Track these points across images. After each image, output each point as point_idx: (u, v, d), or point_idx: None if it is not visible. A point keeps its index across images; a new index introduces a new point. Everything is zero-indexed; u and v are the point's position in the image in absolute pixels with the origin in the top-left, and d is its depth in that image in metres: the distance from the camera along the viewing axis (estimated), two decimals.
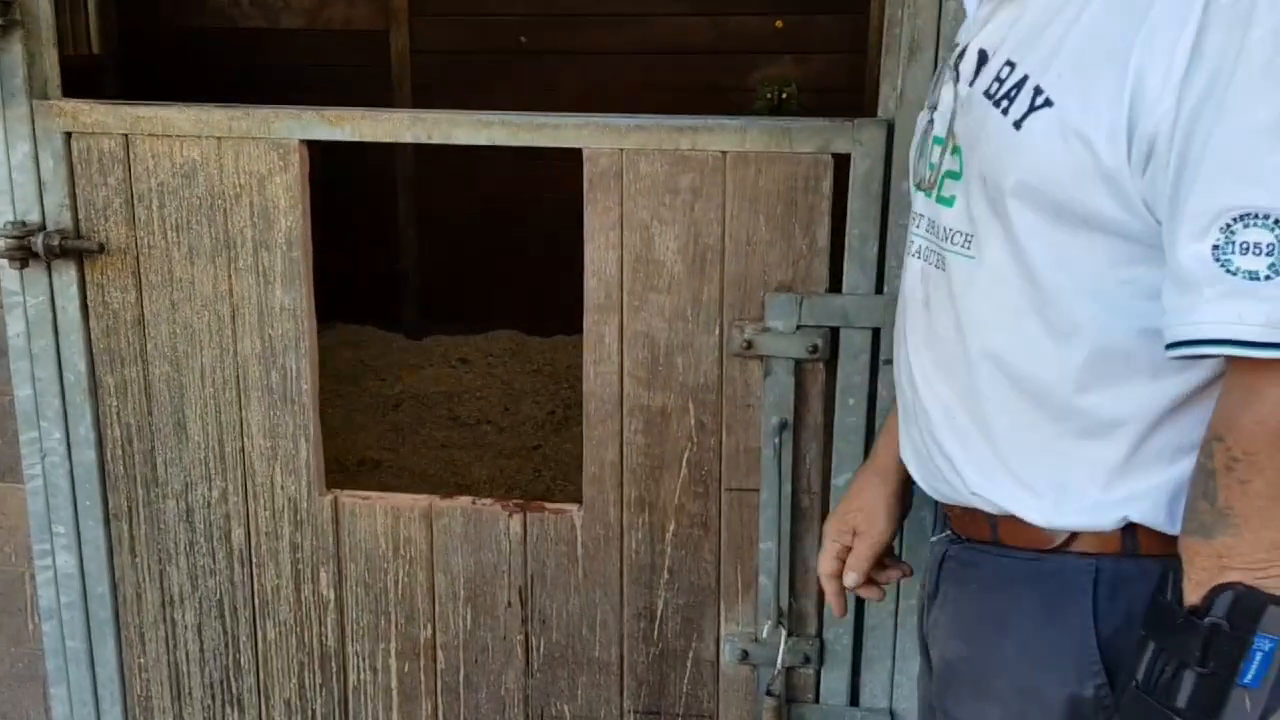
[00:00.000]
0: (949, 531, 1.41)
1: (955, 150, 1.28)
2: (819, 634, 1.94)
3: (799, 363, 1.81)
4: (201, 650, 2.12)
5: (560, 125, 1.79)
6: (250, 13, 5.37)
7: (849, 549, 1.54)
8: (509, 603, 2.01)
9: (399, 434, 4.30)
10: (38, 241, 1.89)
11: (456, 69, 5.25)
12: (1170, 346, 1.08)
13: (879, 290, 1.78)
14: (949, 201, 1.29)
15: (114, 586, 2.11)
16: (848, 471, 1.84)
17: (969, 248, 1.25)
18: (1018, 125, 1.16)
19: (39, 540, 2.09)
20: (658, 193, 1.79)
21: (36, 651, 2.17)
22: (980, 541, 1.34)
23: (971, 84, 1.25)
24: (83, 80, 5.05)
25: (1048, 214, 1.16)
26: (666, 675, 2.00)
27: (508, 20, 5.18)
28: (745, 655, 1.94)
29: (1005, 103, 1.18)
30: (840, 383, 1.82)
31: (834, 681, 1.95)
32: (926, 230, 1.34)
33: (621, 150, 1.77)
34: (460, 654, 2.05)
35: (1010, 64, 1.19)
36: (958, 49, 1.33)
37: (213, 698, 2.14)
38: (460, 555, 1.99)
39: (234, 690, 2.13)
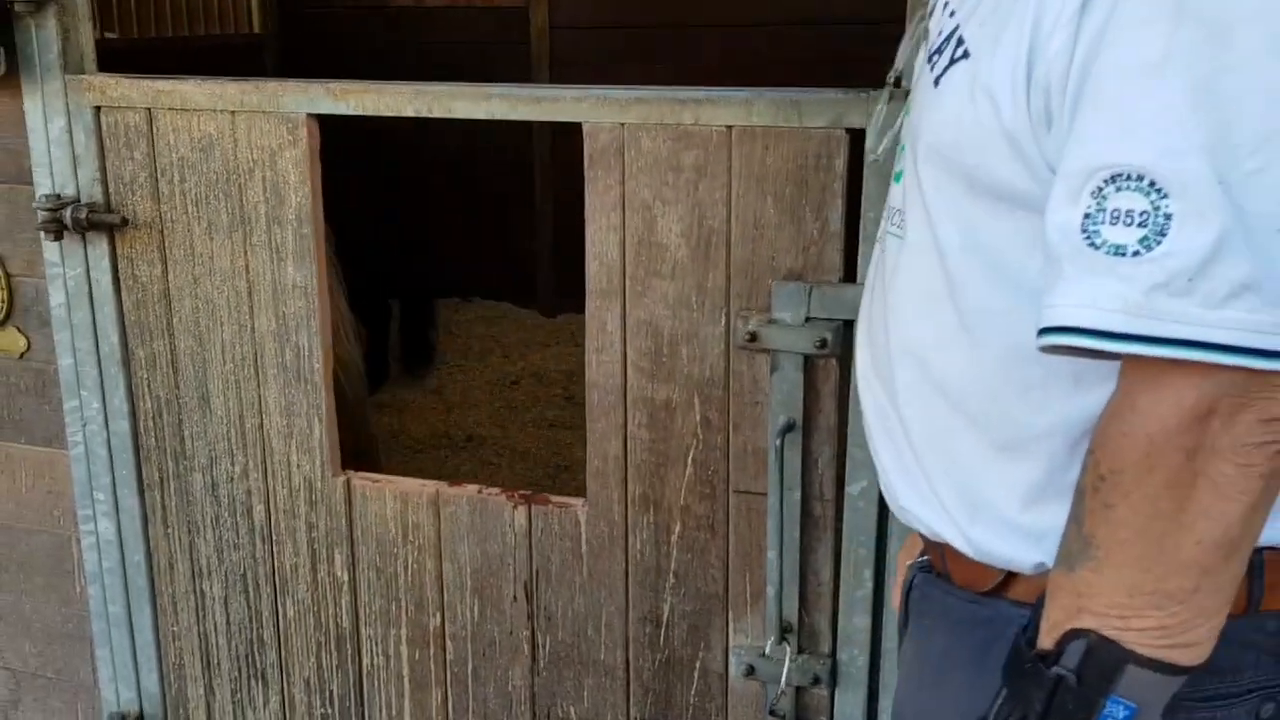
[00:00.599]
0: (923, 556, 1.25)
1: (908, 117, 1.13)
2: (833, 653, 1.78)
3: (808, 358, 1.65)
4: (228, 623, 2.14)
5: (559, 98, 1.68)
6: None
7: None
8: (515, 597, 1.93)
9: (511, 411, 4.30)
10: (68, 215, 1.92)
11: (595, 44, 5.19)
12: (1039, 337, 0.89)
13: None
14: (898, 177, 1.14)
15: (149, 555, 2.15)
16: (863, 479, 1.68)
17: (901, 227, 1.09)
18: (937, 82, 1.00)
19: (82, 506, 2.15)
20: (660, 171, 1.66)
21: (83, 613, 2.24)
22: (936, 573, 1.18)
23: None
24: (244, 58, 5.28)
25: (960, 184, 0.98)
26: (673, 684, 1.89)
27: None
28: (752, 670, 1.81)
29: (936, 58, 1.02)
30: (854, 381, 1.65)
31: (849, 705, 1.79)
32: (886, 213, 1.18)
33: (622, 125, 1.66)
34: (468, 645, 1.99)
35: (952, 13, 1.03)
36: (929, 5, 1.16)
37: (239, 670, 2.16)
38: (467, 544, 1.93)
39: (258, 665, 2.14)
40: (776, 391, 1.67)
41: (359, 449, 2.96)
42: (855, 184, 1.59)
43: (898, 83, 1.30)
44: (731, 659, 1.83)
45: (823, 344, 1.63)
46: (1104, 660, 0.87)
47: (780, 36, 4.90)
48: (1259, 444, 0.83)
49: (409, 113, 1.76)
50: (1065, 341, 0.86)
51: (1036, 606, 0.97)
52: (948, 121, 0.98)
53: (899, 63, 1.20)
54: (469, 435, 4.09)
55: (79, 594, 2.23)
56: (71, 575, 2.23)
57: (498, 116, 1.72)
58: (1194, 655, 0.88)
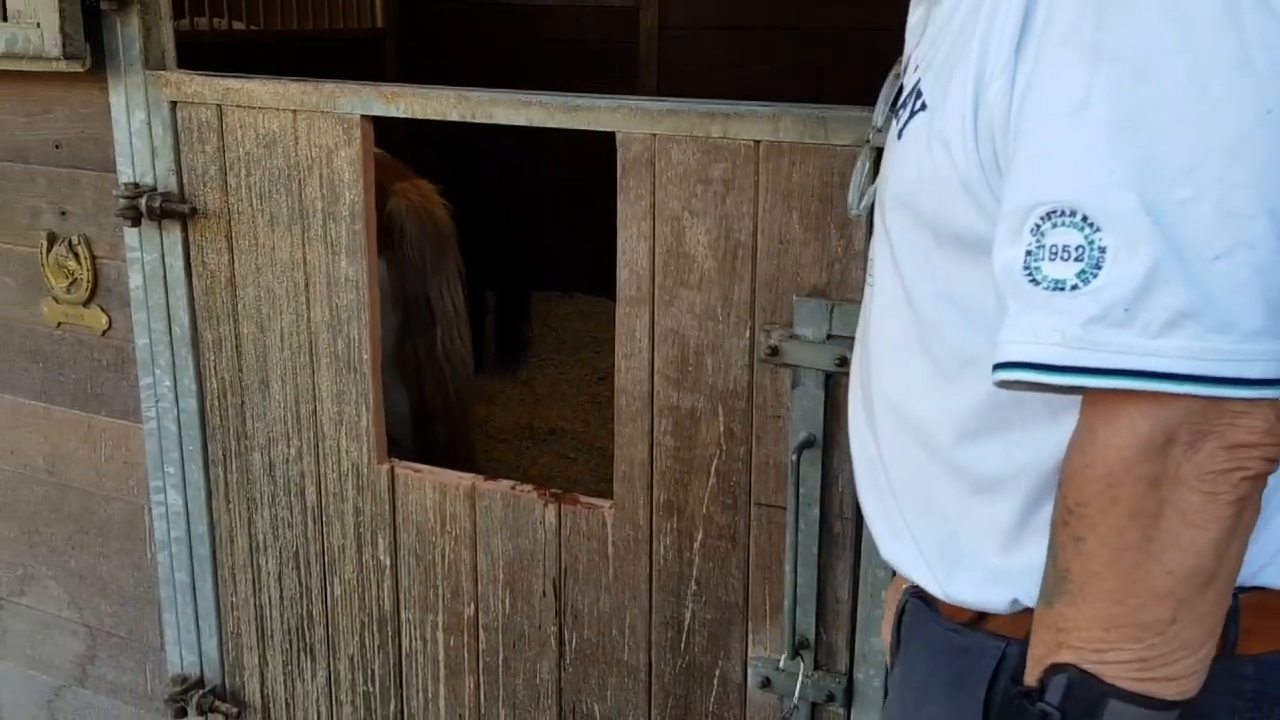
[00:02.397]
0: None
1: None
2: (849, 672, 1.77)
3: (829, 375, 1.65)
4: (281, 597, 2.24)
5: (594, 107, 1.71)
6: None
7: None
8: (544, 592, 1.97)
9: (595, 406, 4.36)
10: (144, 203, 2.04)
11: (703, 45, 5.20)
12: (993, 373, 0.90)
13: None
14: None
15: (211, 527, 2.26)
16: None
17: (871, 275, 1.13)
18: (900, 135, 1.02)
19: (154, 477, 2.28)
20: (689, 182, 1.68)
21: (153, 578, 2.37)
22: (925, 600, 1.17)
23: None
24: (365, 52, 5.46)
25: (924, 233, 1.00)
26: (693, 690, 1.90)
27: None
28: (767, 682, 1.81)
29: (901, 111, 1.04)
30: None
31: None
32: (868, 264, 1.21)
33: (654, 135, 1.68)
34: (500, 636, 2.04)
35: (917, 67, 1.05)
36: (902, 61, 1.18)
37: (290, 643, 2.26)
38: (500, 538, 1.98)
39: (307, 639, 2.24)
40: (797, 407, 1.67)
41: (456, 453, 2.99)
42: None
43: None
44: (749, 669, 1.83)
45: (843, 361, 1.62)
46: (1085, 695, 0.87)
47: (893, 42, 4.82)
48: (1223, 471, 0.82)
49: (453, 117, 1.81)
50: (1013, 376, 0.87)
51: (1025, 641, 0.96)
52: (909, 173, 1.00)
53: (876, 119, 1.20)
54: (551, 428, 4.16)
55: (149, 560, 2.37)
56: (143, 542, 2.37)
57: (535, 123, 1.76)
58: (1179, 689, 0.87)
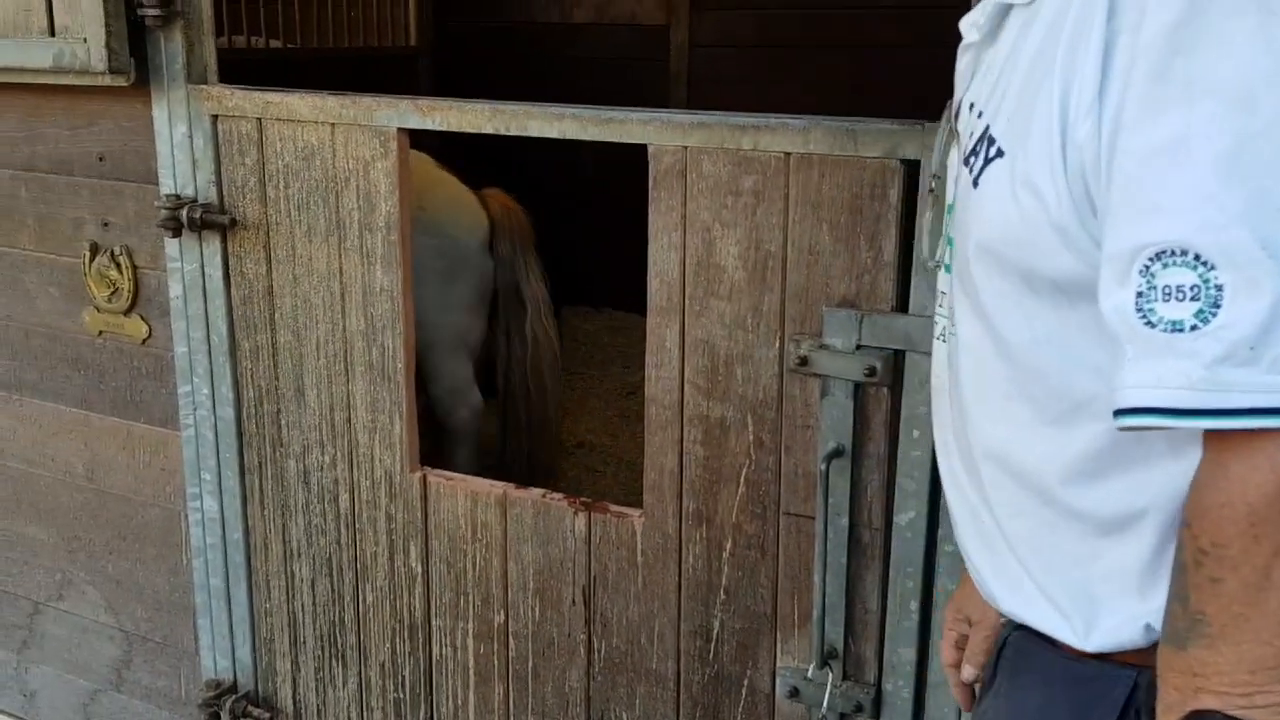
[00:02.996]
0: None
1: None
2: (877, 683, 1.78)
3: (858, 385, 1.66)
4: (314, 604, 2.26)
5: (626, 120, 1.74)
6: (548, 8, 5.62)
7: (968, 637, 1.36)
8: (573, 600, 1.99)
9: (623, 420, 4.37)
10: (185, 214, 2.08)
11: (733, 62, 5.23)
12: (1114, 419, 0.89)
13: None
14: (947, 268, 1.17)
15: (247, 534, 2.29)
16: (911, 510, 1.67)
17: (954, 323, 1.11)
18: (976, 182, 1.01)
19: (190, 484, 2.32)
20: (720, 194, 1.70)
21: (188, 584, 2.40)
22: (1037, 636, 1.14)
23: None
24: (399, 70, 5.53)
25: (1014, 280, 0.99)
26: (721, 699, 1.91)
27: (787, 14, 5.09)
28: (796, 692, 1.81)
29: (973, 159, 1.03)
30: (904, 412, 1.65)
31: None
32: (945, 308, 1.20)
33: (685, 148, 1.70)
34: (529, 644, 2.05)
35: (980, 114, 1.04)
36: (953, 105, 1.18)
37: (322, 650, 2.28)
38: (530, 546, 2.00)
39: (339, 646, 2.26)
40: (826, 417, 1.69)
41: (548, 464, 3.48)
42: (910, 214, 1.59)
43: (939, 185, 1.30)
44: (777, 679, 1.84)
45: (872, 372, 1.63)
46: None
47: (927, 57, 4.83)
48: None
49: (488, 130, 1.84)
50: (1140, 423, 0.87)
51: (1150, 692, 0.94)
52: (994, 220, 0.99)
53: (934, 166, 1.21)
54: (580, 441, 4.18)
55: (185, 566, 2.40)
56: (179, 548, 2.40)
57: (569, 136, 1.78)
58: None
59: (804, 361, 1.67)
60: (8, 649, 2.71)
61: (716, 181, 1.69)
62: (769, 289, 1.70)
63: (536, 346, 3.35)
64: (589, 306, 5.56)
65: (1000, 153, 0.98)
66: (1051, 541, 1.04)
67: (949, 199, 1.16)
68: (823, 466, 1.67)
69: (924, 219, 1.26)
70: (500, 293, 3.30)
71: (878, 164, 1.59)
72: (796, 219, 1.66)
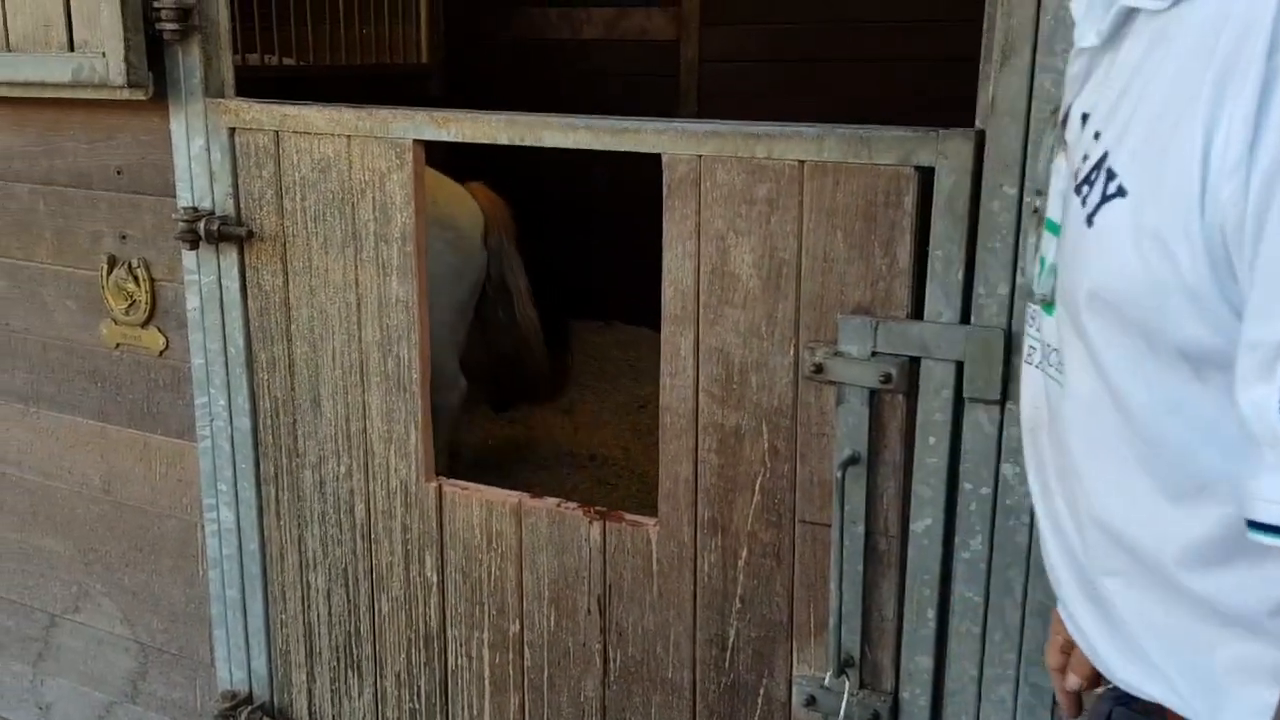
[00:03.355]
0: (1113, 686, 1.12)
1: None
2: (894, 691, 1.78)
3: (874, 392, 1.66)
4: (330, 614, 2.27)
5: (640, 130, 1.75)
6: (558, 24, 5.65)
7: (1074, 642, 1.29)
8: (589, 609, 1.99)
9: (635, 434, 4.38)
10: (202, 226, 2.10)
11: (743, 77, 5.25)
12: (1248, 530, 0.81)
13: (964, 320, 1.59)
14: (1049, 308, 1.04)
15: (263, 544, 2.30)
16: (927, 517, 1.68)
17: (1060, 371, 1.00)
18: (1089, 220, 0.89)
19: (207, 495, 2.33)
20: (734, 202, 1.71)
21: (204, 595, 2.41)
22: (1145, 714, 1.05)
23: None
24: (410, 86, 5.56)
25: (1135, 338, 0.88)
26: (737, 709, 1.91)
27: (797, 30, 5.12)
28: (813, 701, 1.81)
29: (1086, 190, 0.91)
30: (920, 419, 1.65)
31: None
32: (1041, 336, 1.09)
33: (699, 157, 1.71)
34: (545, 653, 2.06)
35: (1097, 135, 0.92)
36: (1060, 111, 1.08)
37: (337, 660, 2.29)
38: (545, 555, 2.00)
39: (354, 656, 2.27)
40: (841, 424, 1.69)
41: (530, 387, 3.91)
42: (925, 221, 1.60)
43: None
44: (794, 688, 1.84)
45: (888, 379, 1.63)
46: None
47: (933, 72, 4.85)
48: None
49: (503, 140, 1.86)
50: (1275, 543, 0.79)
51: None
52: (1111, 271, 0.87)
53: (1038, 178, 1.11)
54: (592, 454, 4.18)
55: (201, 577, 2.41)
56: (195, 559, 2.41)
57: (583, 146, 1.79)
58: None
59: (819, 369, 1.68)
60: (24, 661, 2.72)
61: (731, 190, 1.70)
62: (783, 296, 1.71)
63: (525, 328, 3.68)
64: (598, 320, 5.57)
65: (1122, 191, 0.86)
66: (1167, 623, 0.95)
67: (1049, 213, 1.06)
68: (838, 474, 1.68)
69: (1027, 241, 1.16)
70: (490, 282, 3.52)
71: (892, 171, 1.60)
72: (811, 226, 1.66)
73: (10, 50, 2.16)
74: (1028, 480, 1.16)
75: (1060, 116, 1.07)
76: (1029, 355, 1.12)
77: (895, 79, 4.93)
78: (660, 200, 1.76)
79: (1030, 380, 1.11)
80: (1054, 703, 1.44)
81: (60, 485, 2.53)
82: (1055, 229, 1.04)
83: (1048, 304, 1.06)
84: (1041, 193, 1.11)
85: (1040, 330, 1.09)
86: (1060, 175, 1.04)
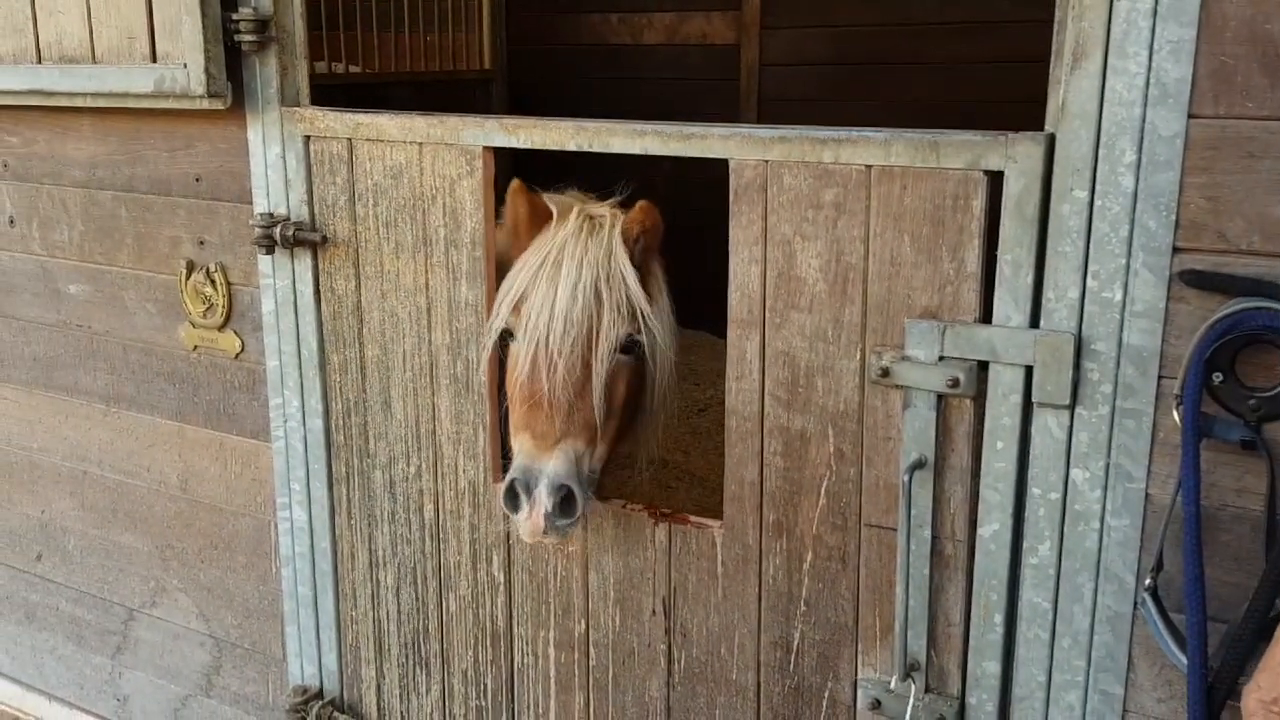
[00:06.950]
0: None
1: None
2: (961, 696, 1.77)
3: (941, 397, 1.66)
4: (399, 612, 2.31)
5: (707, 135, 1.77)
6: (619, 30, 5.69)
7: None
8: (654, 610, 2.01)
9: (695, 437, 4.38)
10: (278, 231, 2.15)
11: (803, 81, 5.25)
12: None
13: (1034, 324, 1.59)
14: None
15: (334, 543, 2.35)
16: (995, 522, 1.67)
17: None
18: None
19: (280, 494, 2.38)
20: (800, 207, 1.72)
21: (277, 591, 2.47)
22: None
23: None
24: (474, 94, 5.63)
25: None
26: (802, 711, 1.91)
27: (857, 32, 5.10)
28: (878, 704, 1.81)
29: None
30: (988, 424, 1.65)
31: None
32: None
33: (766, 162, 1.72)
34: (609, 653, 2.08)
35: None
36: None
37: (406, 657, 2.33)
38: (611, 556, 2.03)
39: (422, 654, 2.31)
40: (908, 428, 1.69)
41: None
42: (994, 225, 1.60)
43: None
44: (859, 691, 1.84)
45: (955, 383, 1.63)
46: None
47: (993, 75, 4.82)
48: None
49: (571, 147, 1.88)
50: None
51: None
52: None
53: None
54: (650, 458, 4.19)
55: (274, 574, 2.47)
56: (268, 557, 2.47)
57: (650, 152, 1.81)
58: None
59: (885, 373, 1.68)
60: (103, 654, 2.80)
61: (797, 195, 1.71)
62: (850, 301, 1.71)
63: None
64: None
65: None
66: None
67: None
68: (905, 478, 1.68)
69: None
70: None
71: (960, 175, 1.60)
72: (878, 231, 1.67)
73: (96, 62, 2.23)
74: None
75: None
76: None
77: (957, 81, 4.89)
78: (721, 205, 1.77)
79: None
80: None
81: (139, 483, 2.61)
82: None
83: None
84: None
85: None
86: None
